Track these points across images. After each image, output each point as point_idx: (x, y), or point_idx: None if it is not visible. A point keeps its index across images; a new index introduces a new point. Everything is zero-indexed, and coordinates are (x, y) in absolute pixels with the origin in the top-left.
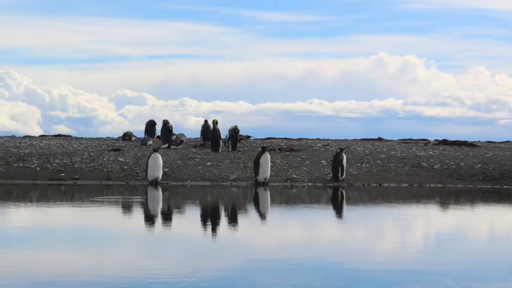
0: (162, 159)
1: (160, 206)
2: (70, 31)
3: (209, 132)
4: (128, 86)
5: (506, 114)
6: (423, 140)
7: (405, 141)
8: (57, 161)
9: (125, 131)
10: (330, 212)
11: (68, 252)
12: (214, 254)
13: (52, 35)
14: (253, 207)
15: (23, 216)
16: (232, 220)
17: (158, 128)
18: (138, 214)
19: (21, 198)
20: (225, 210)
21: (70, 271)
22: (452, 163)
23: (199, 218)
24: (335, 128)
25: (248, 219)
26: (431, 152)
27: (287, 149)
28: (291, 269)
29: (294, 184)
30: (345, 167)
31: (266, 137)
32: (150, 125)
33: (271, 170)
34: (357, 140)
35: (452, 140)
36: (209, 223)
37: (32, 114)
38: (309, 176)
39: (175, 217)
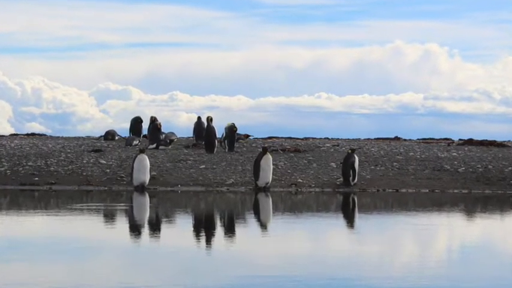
0: (150, 161)
1: (148, 214)
2: (44, 16)
3: (203, 131)
4: (110, 78)
5: None
6: (446, 139)
7: (425, 141)
8: (30, 163)
9: (107, 130)
10: (340, 221)
11: (42, 267)
12: (208, 269)
13: (24, 21)
14: (253, 215)
15: None
16: (229, 230)
17: (145, 125)
18: (122, 224)
19: None
20: (220, 219)
21: None
22: (479, 166)
23: (192, 228)
24: (346, 125)
25: (247, 229)
26: (455, 153)
27: (291, 149)
28: (295, 286)
29: (299, 189)
30: (357, 170)
31: (267, 136)
32: (136, 122)
33: (273, 173)
34: (371, 139)
35: (479, 139)
36: (203, 234)
37: (1, 110)
38: (316, 180)
39: (164, 227)
